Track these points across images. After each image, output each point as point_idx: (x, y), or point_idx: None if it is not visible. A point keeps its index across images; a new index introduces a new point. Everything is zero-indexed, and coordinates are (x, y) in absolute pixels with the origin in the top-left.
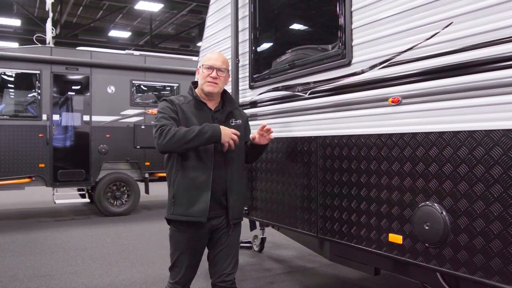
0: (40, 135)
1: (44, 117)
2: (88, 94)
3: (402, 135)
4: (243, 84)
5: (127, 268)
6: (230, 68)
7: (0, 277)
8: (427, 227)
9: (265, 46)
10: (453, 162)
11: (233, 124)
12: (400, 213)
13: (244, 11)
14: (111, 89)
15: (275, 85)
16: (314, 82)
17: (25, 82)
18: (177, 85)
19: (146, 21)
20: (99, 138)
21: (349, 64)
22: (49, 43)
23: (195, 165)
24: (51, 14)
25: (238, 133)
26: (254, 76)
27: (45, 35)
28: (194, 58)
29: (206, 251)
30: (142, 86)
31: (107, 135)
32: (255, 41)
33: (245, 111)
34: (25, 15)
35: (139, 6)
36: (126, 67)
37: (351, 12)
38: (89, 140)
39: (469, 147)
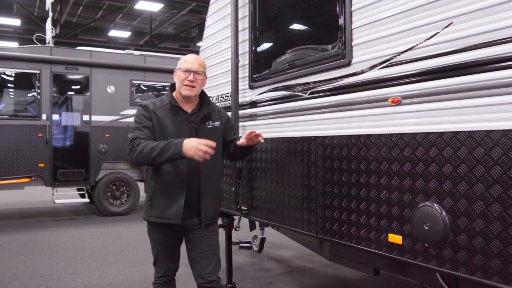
0: (40, 134)
1: (44, 116)
2: (88, 94)
3: (402, 135)
4: (243, 84)
5: (126, 268)
6: (230, 68)
7: None
8: (426, 228)
9: (265, 46)
10: (453, 163)
11: (210, 126)
12: (400, 213)
13: (244, 11)
14: (111, 89)
15: (275, 85)
16: (314, 82)
17: (24, 82)
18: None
19: (146, 21)
20: (98, 138)
21: (349, 64)
22: (49, 43)
23: (170, 171)
24: (51, 14)
25: (210, 143)
26: (254, 76)
27: (45, 35)
28: None
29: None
30: (142, 86)
31: (107, 135)
32: (255, 41)
33: (245, 111)
34: (25, 15)
35: (139, 6)
36: (126, 67)
37: (351, 12)
38: (89, 140)
39: (469, 147)
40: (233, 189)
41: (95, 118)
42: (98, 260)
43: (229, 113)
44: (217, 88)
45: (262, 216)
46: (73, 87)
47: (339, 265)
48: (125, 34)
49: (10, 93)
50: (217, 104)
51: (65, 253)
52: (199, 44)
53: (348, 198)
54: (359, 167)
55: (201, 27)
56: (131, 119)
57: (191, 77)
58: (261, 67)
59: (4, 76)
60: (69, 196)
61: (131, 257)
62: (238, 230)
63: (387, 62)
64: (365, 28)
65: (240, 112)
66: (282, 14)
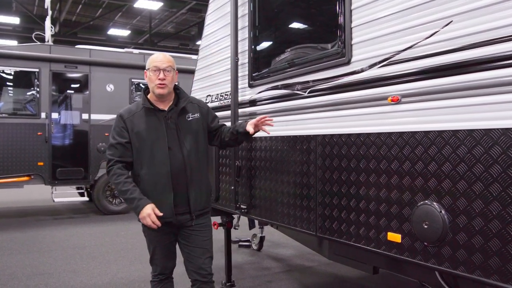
0: (39, 133)
1: (43, 115)
2: (87, 92)
3: (401, 134)
4: (243, 82)
5: (125, 267)
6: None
7: None
8: (426, 226)
9: (265, 44)
10: (452, 161)
11: (190, 119)
12: (399, 212)
13: (244, 10)
14: (110, 88)
15: (274, 84)
16: (314, 81)
17: (24, 80)
18: (176, 83)
19: (145, 20)
20: (98, 137)
21: (348, 62)
22: (48, 41)
23: (154, 172)
24: (50, 12)
25: (157, 222)
26: (254, 74)
27: (44, 33)
28: (194, 57)
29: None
30: (141, 85)
31: (106, 134)
32: (254, 40)
33: (244, 110)
34: (24, 13)
35: (138, 5)
36: (125, 65)
37: (351, 11)
38: (88, 138)
39: (468, 146)
40: (232, 187)
41: (94, 116)
42: (97, 259)
43: (229, 112)
44: (217, 86)
45: (261, 215)
46: (72, 85)
47: (338, 264)
48: (124, 32)
49: (9, 91)
50: (217, 103)
51: (64, 251)
52: (198, 42)
53: (348, 197)
54: (359, 165)
55: (200, 25)
56: None
57: (161, 75)
58: (260, 65)
59: (3, 75)
60: (68, 195)
61: (130, 256)
62: (237, 229)
63: (386, 61)
64: (365, 26)
65: (240, 110)
66: (282, 13)
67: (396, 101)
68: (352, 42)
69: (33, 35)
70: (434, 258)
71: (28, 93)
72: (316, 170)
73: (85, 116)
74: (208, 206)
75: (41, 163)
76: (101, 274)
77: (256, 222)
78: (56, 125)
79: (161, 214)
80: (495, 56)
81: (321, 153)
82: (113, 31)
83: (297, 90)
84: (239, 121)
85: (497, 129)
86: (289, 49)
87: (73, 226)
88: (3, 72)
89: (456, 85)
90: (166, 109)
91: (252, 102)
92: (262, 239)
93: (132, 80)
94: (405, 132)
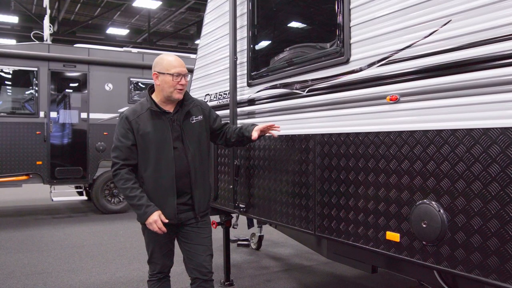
0: (38, 132)
1: (42, 114)
2: (86, 91)
3: (400, 133)
4: (241, 82)
5: (124, 266)
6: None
7: None
8: (424, 225)
9: (263, 43)
10: (451, 160)
11: (194, 121)
12: (398, 211)
13: (242, 9)
14: (108, 87)
15: (273, 83)
16: (312, 80)
17: (22, 79)
18: None
19: (144, 19)
20: (96, 136)
21: (347, 62)
22: (46, 40)
23: (158, 175)
24: (48, 11)
25: (163, 229)
26: (252, 73)
27: (43, 32)
28: (192, 56)
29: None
30: (140, 84)
31: (105, 133)
32: (253, 39)
33: (243, 109)
34: (23, 12)
35: (137, 4)
36: (124, 64)
37: (350, 10)
38: (87, 137)
39: (467, 145)
40: (231, 186)
41: (93, 115)
42: (96, 258)
43: (227, 111)
44: (215, 85)
45: (260, 214)
46: (71, 84)
47: (337, 263)
48: (123, 31)
49: (8, 90)
50: (215, 102)
51: (63, 250)
52: (197, 42)
53: (346, 196)
54: (357, 165)
55: (199, 24)
56: None
57: (183, 81)
58: (259, 65)
59: (2, 74)
60: (66, 194)
61: (129, 255)
62: (236, 228)
63: (385, 60)
64: (364, 26)
65: (238, 109)
66: (281, 12)
67: (395, 100)
68: (351, 41)
69: (31, 34)
70: (432, 257)
71: (27, 92)
72: (314, 169)
73: (83, 115)
74: (209, 207)
75: (40, 162)
76: (99, 273)
77: (255, 221)
78: (54, 124)
79: (167, 220)
80: (493, 55)
81: (319, 152)
82: (111, 30)
83: (296, 89)
84: (246, 123)
85: (496, 128)
86: (287, 48)
87: (71, 225)
88: (1, 71)
89: (454, 84)
90: (171, 111)
91: (251, 101)
92: (260, 238)
93: (131, 79)
94: (404, 131)
